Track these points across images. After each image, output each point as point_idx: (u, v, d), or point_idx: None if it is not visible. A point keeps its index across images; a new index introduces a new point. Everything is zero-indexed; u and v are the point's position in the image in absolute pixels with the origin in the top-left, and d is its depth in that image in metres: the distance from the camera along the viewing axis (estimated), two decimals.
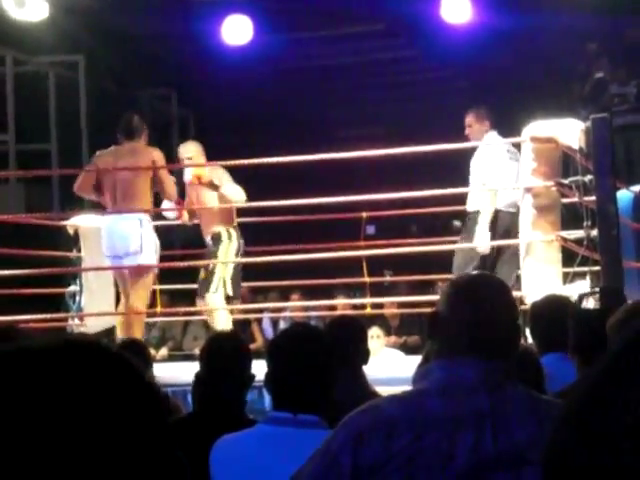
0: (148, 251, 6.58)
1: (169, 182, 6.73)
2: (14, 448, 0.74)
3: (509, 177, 6.48)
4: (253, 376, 3.22)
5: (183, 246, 9.33)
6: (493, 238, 6.32)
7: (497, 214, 6.41)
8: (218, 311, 6.82)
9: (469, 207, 6.59)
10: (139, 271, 6.59)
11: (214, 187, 6.77)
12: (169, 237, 8.90)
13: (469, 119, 6.74)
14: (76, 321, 7.73)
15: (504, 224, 6.42)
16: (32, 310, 6.92)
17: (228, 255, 6.87)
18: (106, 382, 0.78)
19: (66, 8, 9.06)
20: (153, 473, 0.78)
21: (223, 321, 6.77)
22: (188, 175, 6.85)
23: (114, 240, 6.60)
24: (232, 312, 7.09)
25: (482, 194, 6.42)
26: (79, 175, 6.90)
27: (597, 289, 5.56)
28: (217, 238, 6.92)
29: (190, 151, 6.98)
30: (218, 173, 6.80)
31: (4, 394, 0.76)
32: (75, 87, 10.71)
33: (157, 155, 6.71)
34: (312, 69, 11.05)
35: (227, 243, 6.89)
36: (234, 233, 6.94)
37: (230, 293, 6.83)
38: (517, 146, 6.55)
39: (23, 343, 0.80)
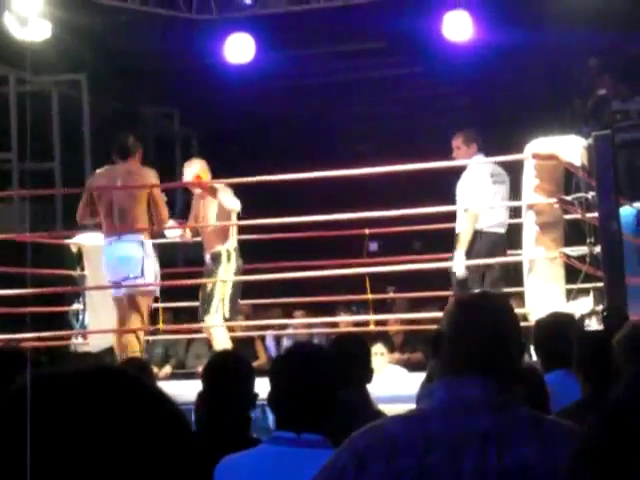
0: (148, 274, 6.56)
1: (162, 205, 6.70)
2: (57, 470, 0.77)
3: (492, 200, 6.53)
4: (256, 395, 3.21)
5: (186, 264, 9.33)
6: (478, 258, 6.37)
7: (481, 235, 6.46)
8: (217, 331, 6.82)
9: (457, 228, 6.66)
10: (139, 294, 6.56)
11: (213, 192, 6.78)
12: (172, 255, 8.90)
13: (457, 142, 6.76)
14: (79, 339, 7.72)
15: (488, 244, 6.47)
16: (36, 328, 6.92)
17: (227, 276, 6.88)
18: (137, 410, 0.82)
19: (69, 27, 9.09)
20: None
21: (223, 341, 6.76)
22: (189, 176, 6.90)
23: (113, 265, 6.57)
24: (235, 329, 7.07)
25: (463, 218, 6.48)
26: (80, 202, 6.87)
27: (599, 308, 5.56)
28: (216, 258, 6.92)
29: (195, 168, 7.01)
30: (220, 188, 6.84)
31: (41, 422, 0.78)
32: (78, 106, 10.73)
33: (153, 177, 6.69)
34: (314, 87, 11.06)
35: (226, 264, 6.89)
36: (233, 253, 6.94)
37: (227, 315, 6.83)
38: (507, 167, 6.60)
39: (56, 370, 0.83)
